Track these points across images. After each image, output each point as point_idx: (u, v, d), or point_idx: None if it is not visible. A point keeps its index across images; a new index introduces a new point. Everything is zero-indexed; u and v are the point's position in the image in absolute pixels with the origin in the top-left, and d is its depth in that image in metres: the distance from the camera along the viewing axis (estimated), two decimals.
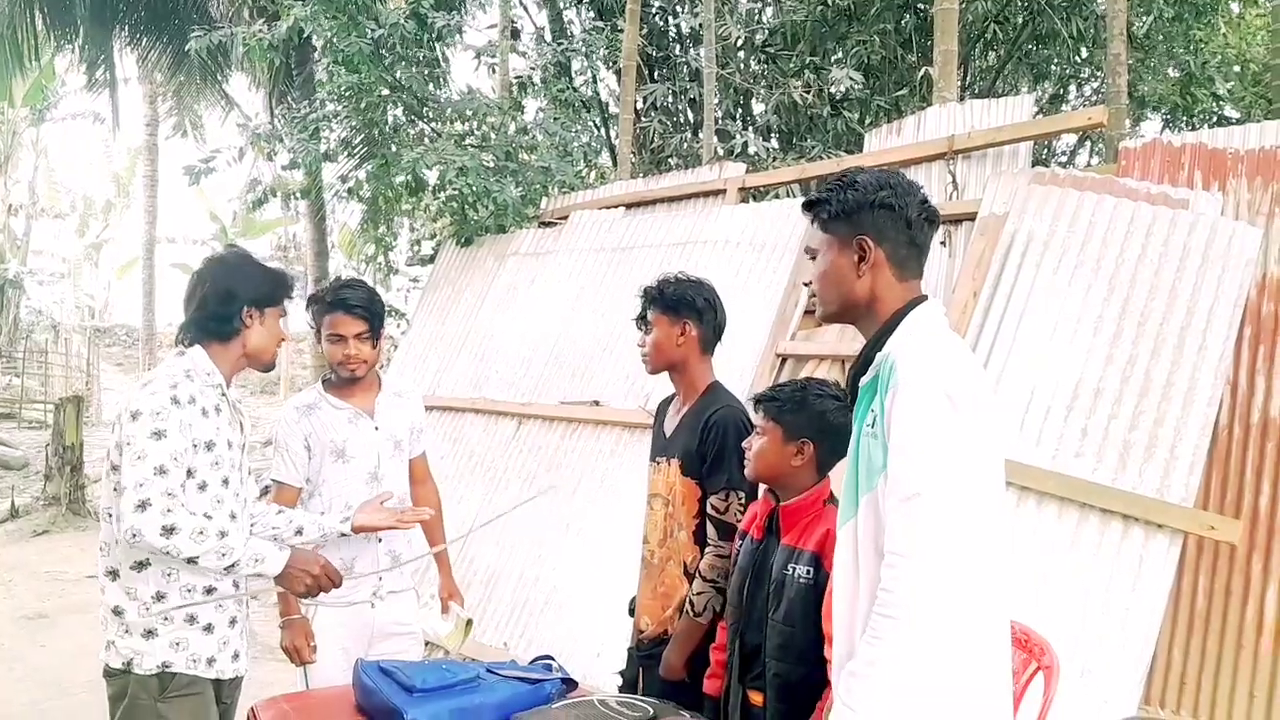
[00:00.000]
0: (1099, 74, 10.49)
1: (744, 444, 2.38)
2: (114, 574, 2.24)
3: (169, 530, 2.07)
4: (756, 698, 2.26)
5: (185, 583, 2.24)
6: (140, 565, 2.22)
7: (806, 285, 2.02)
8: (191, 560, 2.11)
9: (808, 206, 1.86)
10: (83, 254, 34.97)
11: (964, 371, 1.65)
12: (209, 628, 2.29)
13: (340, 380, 2.96)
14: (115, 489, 2.21)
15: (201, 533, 2.10)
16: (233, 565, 2.16)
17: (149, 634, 2.22)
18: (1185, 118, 9.94)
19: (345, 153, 8.66)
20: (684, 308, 2.64)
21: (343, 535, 2.70)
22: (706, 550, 2.49)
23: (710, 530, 2.50)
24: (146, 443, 2.13)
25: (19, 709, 4.51)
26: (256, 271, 2.43)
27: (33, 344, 21.95)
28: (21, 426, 15.76)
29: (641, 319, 2.73)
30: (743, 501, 2.48)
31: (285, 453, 2.91)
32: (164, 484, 2.10)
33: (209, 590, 2.28)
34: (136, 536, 2.08)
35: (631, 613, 2.78)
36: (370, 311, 2.88)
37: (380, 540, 2.86)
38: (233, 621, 2.37)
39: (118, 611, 2.23)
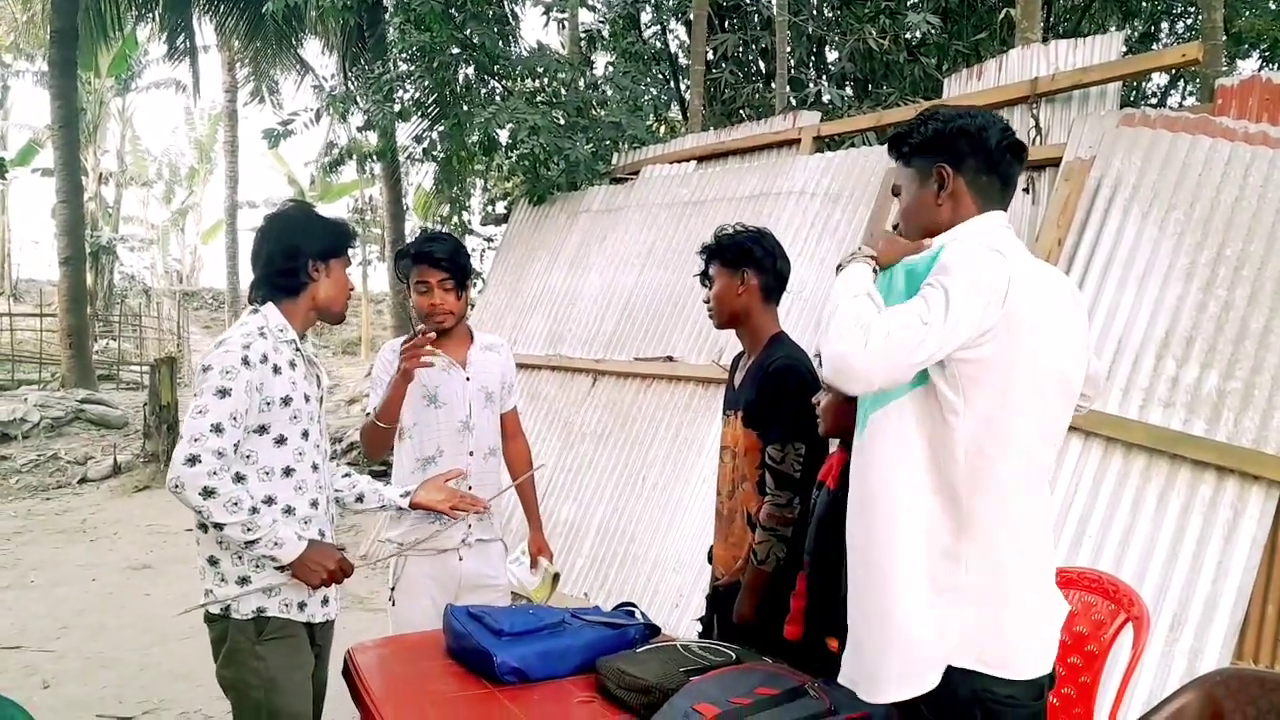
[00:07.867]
0: (1192, 9, 9.99)
1: (814, 399, 2.37)
2: (206, 526, 2.31)
3: (207, 492, 2.14)
4: (833, 643, 2.28)
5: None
6: None
7: (894, 228, 1.99)
8: (218, 526, 2.19)
9: (891, 143, 1.87)
10: (170, 220, 36.17)
11: (1003, 274, 1.60)
12: None
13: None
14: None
15: (236, 504, 2.17)
16: (254, 542, 2.21)
17: (243, 581, 2.31)
18: None
19: (418, 113, 8.73)
20: (742, 258, 2.66)
21: (400, 510, 2.75)
22: (765, 499, 2.51)
23: (769, 480, 2.51)
24: (210, 399, 2.19)
25: (128, 653, 4.78)
26: (317, 224, 2.46)
27: (127, 308, 22.86)
28: (120, 387, 16.44)
29: (704, 275, 2.76)
30: (800, 452, 2.47)
31: (381, 389, 2.96)
32: (217, 443, 2.16)
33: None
34: (179, 488, 2.14)
35: (710, 561, 2.83)
36: (454, 262, 2.92)
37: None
38: None
39: (213, 561, 2.32)
